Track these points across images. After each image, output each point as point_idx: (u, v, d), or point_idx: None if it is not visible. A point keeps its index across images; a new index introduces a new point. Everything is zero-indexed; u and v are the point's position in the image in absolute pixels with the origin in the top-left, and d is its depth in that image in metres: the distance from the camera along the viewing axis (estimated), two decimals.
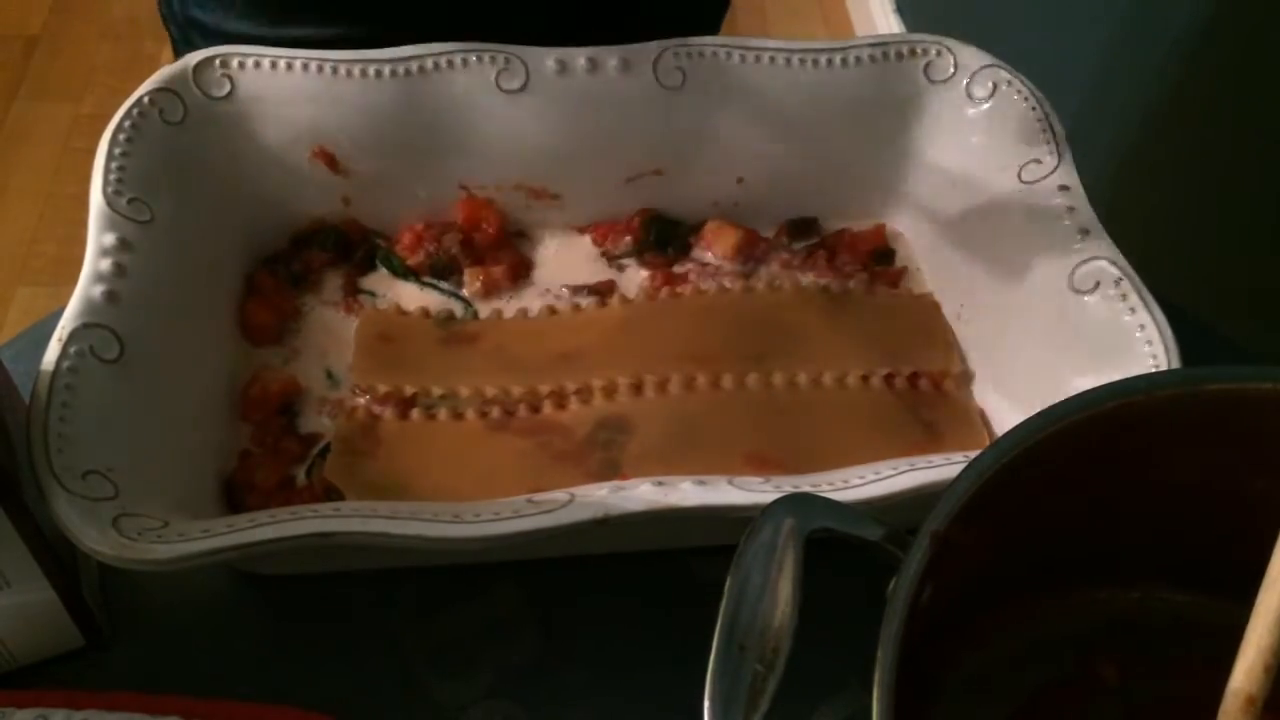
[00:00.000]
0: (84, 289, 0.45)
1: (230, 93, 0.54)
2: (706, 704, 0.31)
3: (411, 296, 0.58)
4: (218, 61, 0.54)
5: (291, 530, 0.40)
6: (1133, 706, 0.38)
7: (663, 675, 0.40)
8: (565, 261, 0.60)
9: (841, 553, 0.34)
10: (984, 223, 0.56)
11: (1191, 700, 0.32)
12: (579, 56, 0.56)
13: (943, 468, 0.43)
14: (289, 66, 0.54)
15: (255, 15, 0.64)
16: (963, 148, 0.57)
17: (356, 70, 0.54)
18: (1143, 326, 0.48)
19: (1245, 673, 0.31)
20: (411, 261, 0.58)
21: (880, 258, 0.61)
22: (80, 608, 0.43)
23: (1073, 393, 0.35)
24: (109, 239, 0.47)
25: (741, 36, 0.58)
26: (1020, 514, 0.36)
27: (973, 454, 0.34)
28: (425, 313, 0.57)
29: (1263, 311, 0.95)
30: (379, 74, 0.55)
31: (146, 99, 0.52)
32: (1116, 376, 0.36)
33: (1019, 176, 0.54)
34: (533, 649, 0.47)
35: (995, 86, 0.57)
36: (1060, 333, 0.50)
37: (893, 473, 0.43)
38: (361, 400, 0.53)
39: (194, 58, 0.54)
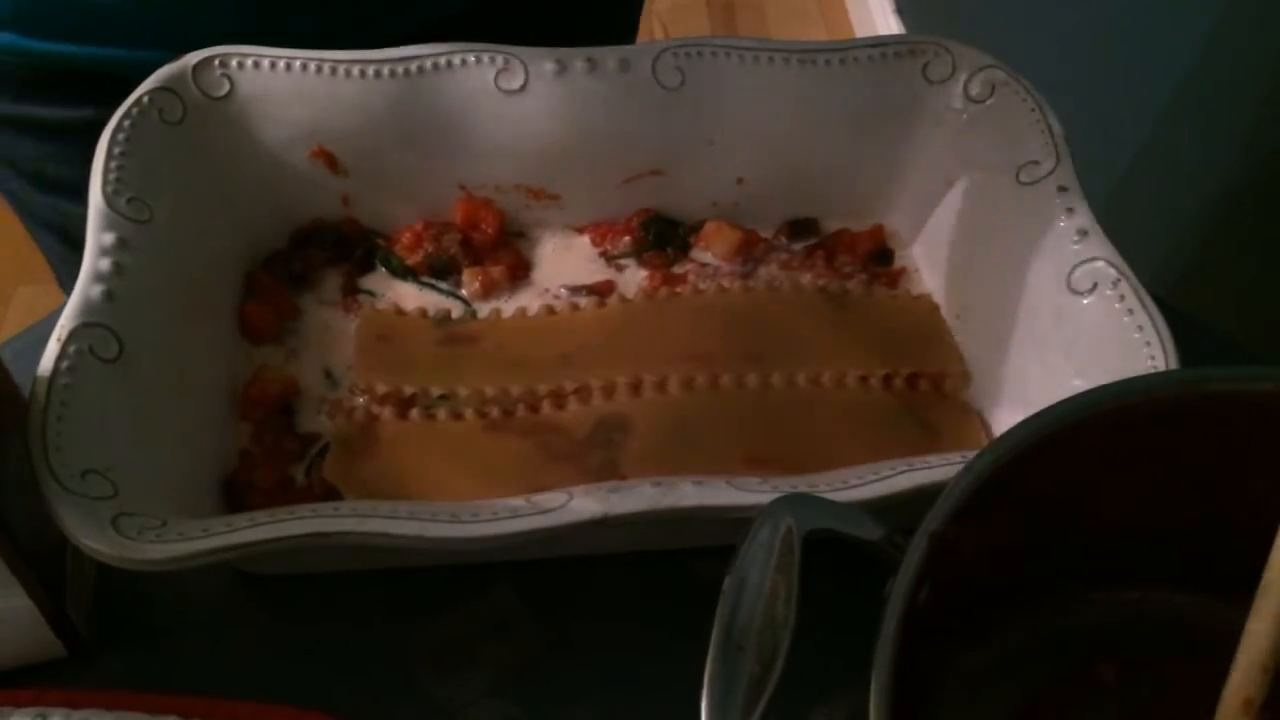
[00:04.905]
0: (83, 288, 0.45)
1: (229, 92, 0.54)
2: (704, 704, 0.31)
3: (410, 296, 0.58)
4: (217, 61, 0.54)
5: (290, 530, 0.40)
6: (1132, 706, 0.38)
7: (661, 675, 0.40)
8: (564, 262, 0.60)
9: (840, 553, 0.34)
10: (983, 223, 0.56)
11: (1190, 701, 0.32)
12: (578, 57, 0.56)
13: (941, 468, 0.43)
14: (288, 66, 0.54)
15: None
16: (961, 148, 0.57)
17: (356, 70, 0.54)
18: (1141, 327, 0.47)
19: (1243, 673, 0.31)
20: (410, 261, 0.58)
21: (879, 258, 0.61)
22: (61, 618, 0.43)
23: (1071, 393, 0.35)
24: (108, 238, 0.47)
25: (741, 36, 0.58)
26: (1019, 514, 0.36)
27: (971, 454, 0.34)
28: (424, 313, 0.57)
29: (1263, 311, 0.95)
30: (378, 74, 0.55)
31: (146, 98, 0.52)
32: (1115, 377, 0.36)
33: (1018, 177, 0.54)
34: (532, 649, 0.47)
35: (994, 87, 0.57)
36: (1059, 333, 0.50)
37: (891, 473, 0.43)
38: (360, 400, 0.53)
39: (194, 57, 0.54)
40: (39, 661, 0.44)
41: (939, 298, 0.59)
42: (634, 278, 0.59)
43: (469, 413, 0.53)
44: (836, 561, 0.35)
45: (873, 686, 0.29)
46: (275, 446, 0.51)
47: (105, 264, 0.46)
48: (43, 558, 0.42)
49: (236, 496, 0.49)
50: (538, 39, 0.56)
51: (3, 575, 0.40)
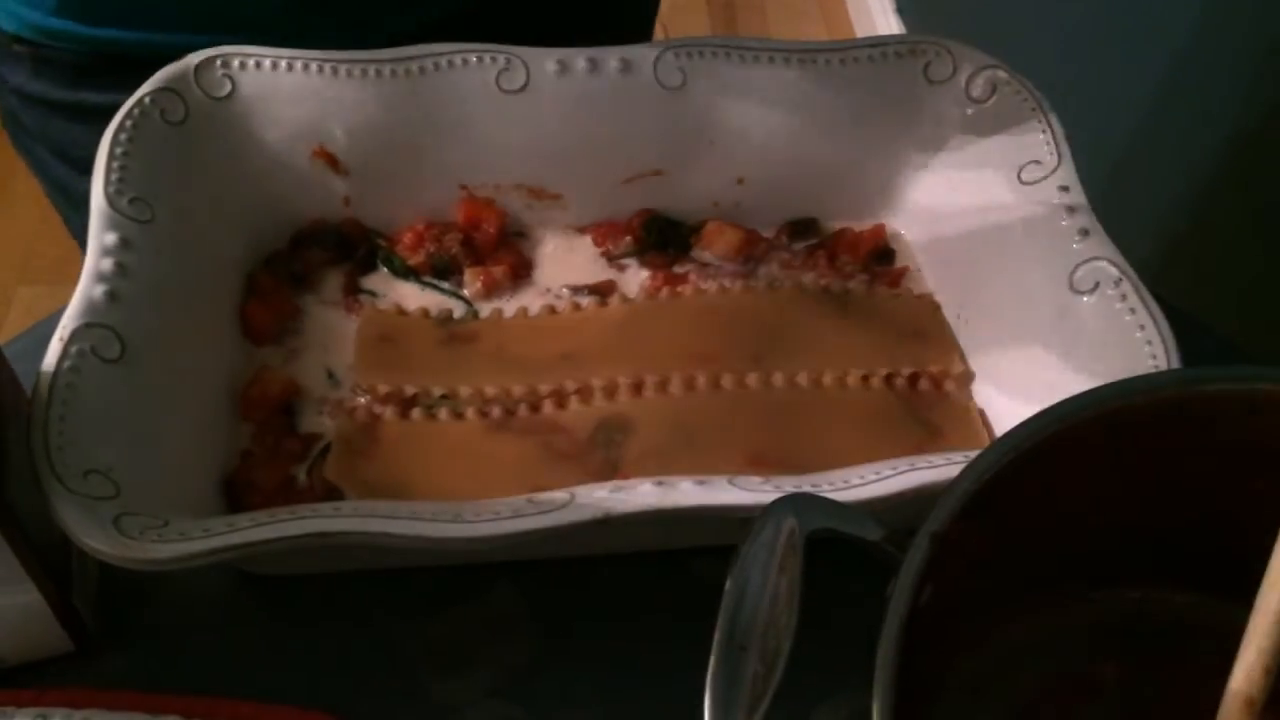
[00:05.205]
0: (85, 288, 0.45)
1: (231, 92, 0.54)
2: (707, 704, 0.31)
3: (412, 296, 0.58)
4: (219, 61, 0.54)
5: (291, 530, 0.40)
6: (1133, 707, 0.38)
7: (662, 675, 0.40)
8: (566, 261, 0.60)
9: (842, 553, 0.34)
10: (984, 223, 0.56)
11: (1191, 701, 0.32)
12: (579, 57, 0.56)
13: (943, 468, 0.43)
14: (290, 66, 0.54)
15: (54, 77, 0.63)
16: (962, 148, 0.57)
17: (357, 70, 0.55)
18: (1142, 327, 0.48)
19: (1245, 674, 0.31)
20: (412, 261, 0.58)
21: (880, 258, 0.61)
22: (69, 613, 0.43)
23: (1073, 393, 0.35)
24: (110, 238, 0.47)
25: (741, 36, 0.58)
26: (1020, 514, 0.36)
27: (973, 454, 0.34)
28: (425, 313, 0.57)
29: (1263, 311, 0.95)
30: (380, 74, 0.55)
31: (147, 99, 0.52)
32: (1116, 377, 0.36)
33: (1019, 177, 0.54)
34: (532, 649, 0.47)
35: (995, 87, 0.57)
36: (1060, 333, 0.50)
37: (893, 473, 0.43)
38: (362, 400, 0.53)
39: (195, 57, 0.54)
40: (46, 657, 0.44)
41: (940, 297, 0.59)
42: (635, 278, 0.59)
43: (470, 413, 0.53)
44: (838, 561, 0.35)
45: (875, 687, 0.29)
46: (277, 447, 0.51)
47: (107, 264, 0.46)
48: (50, 552, 0.42)
49: (238, 496, 0.49)
50: (539, 39, 0.56)
51: (12, 570, 0.40)
